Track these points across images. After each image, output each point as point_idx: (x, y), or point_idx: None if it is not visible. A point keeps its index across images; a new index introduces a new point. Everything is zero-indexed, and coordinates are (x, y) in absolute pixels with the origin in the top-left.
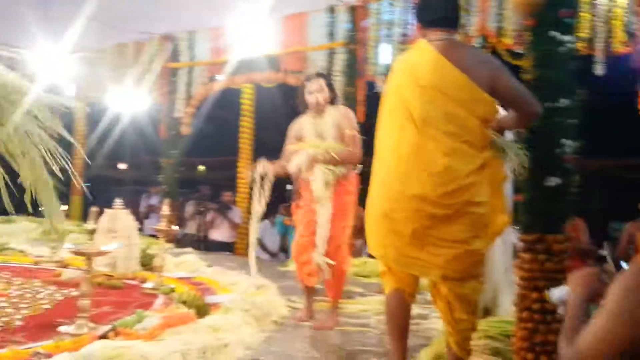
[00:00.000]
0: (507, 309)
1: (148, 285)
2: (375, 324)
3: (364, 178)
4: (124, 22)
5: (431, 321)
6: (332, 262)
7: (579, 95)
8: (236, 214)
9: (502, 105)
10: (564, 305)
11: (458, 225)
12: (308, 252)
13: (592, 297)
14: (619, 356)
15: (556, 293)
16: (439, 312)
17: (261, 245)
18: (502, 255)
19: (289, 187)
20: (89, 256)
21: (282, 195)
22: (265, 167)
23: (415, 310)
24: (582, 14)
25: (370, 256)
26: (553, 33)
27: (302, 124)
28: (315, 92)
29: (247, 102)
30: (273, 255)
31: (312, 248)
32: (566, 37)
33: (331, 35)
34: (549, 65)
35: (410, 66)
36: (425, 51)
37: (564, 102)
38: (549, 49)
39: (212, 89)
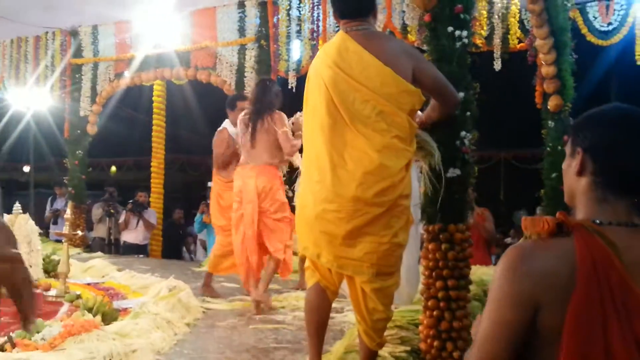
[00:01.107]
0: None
1: (52, 293)
2: (291, 321)
3: None
4: (23, 14)
5: (345, 315)
6: None
7: (475, 88)
8: (152, 215)
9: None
10: None
11: (389, 220)
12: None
13: None
14: (512, 344)
15: None
16: (352, 303)
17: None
18: (414, 246)
19: (209, 184)
20: None
21: (202, 193)
22: None
23: None
24: (479, 11)
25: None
26: (449, 28)
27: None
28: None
29: (158, 100)
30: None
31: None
32: (462, 33)
33: (242, 30)
34: (445, 59)
35: (332, 61)
36: (345, 44)
37: (460, 95)
38: (445, 44)
39: (119, 86)
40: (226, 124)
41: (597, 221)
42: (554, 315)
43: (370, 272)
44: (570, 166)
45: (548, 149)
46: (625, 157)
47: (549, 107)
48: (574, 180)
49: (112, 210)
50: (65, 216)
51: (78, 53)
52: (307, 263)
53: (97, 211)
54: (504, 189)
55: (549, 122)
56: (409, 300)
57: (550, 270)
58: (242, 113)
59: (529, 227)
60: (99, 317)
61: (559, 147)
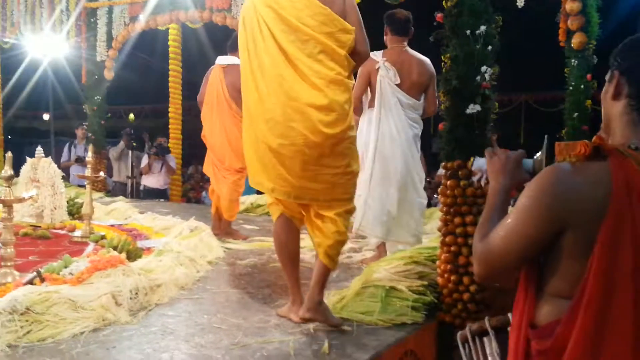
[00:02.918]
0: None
1: (77, 234)
2: (310, 259)
3: None
4: None
5: (363, 254)
6: None
7: (497, 22)
8: (172, 160)
9: None
10: (483, 173)
11: (341, 151)
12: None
13: (513, 187)
14: (525, 255)
15: (479, 162)
16: (310, 227)
17: None
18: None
19: None
20: (7, 204)
21: None
22: None
23: (348, 244)
24: None
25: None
26: None
27: None
28: None
29: (174, 44)
30: None
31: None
32: None
33: None
34: None
35: (272, 1)
36: None
37: (482, 28)
38: None
39: (135, 30)
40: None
41: (633, 146)
42: (582, 237)
43: (327, 200)
44: (607, 92)
45: (570, 88)
46: None
47: (572, 45)
48: (610, 104)
49: (134, 143)
50: (87, 159)
51: None
52: (268, 199)
53: (114, 151)
54: (524, 133)
55: (572, 60)
56: (417, 237)
57: (585, 194)
58: None
59: (563, 152)
60: (124, 255)
61: (582, 87)
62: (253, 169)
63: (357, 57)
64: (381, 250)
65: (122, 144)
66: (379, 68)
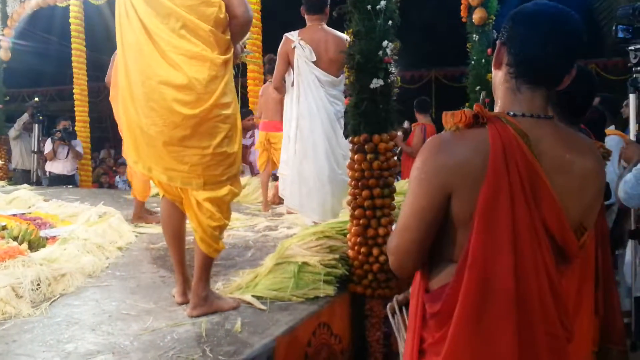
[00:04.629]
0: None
1: None
2: (225, 239)
3: None
4: None
5: (279, 232)
6: None
7: None
8: (78, 144)
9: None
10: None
11: (206, 131)
12: None
13: None
14: (425, 229)
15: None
16: (187, 211)
17: None
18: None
19: None
20: None
21: None
22: None
23: (264, 223)
24: None
25: None
26: None
27: None
28: None
29: (75, 22)
30: None
31: None
32: None
33: None
34: None
35: None
36: None
37: (382, 4)
38: None
39: (31, 7)
40: None
41: (512, 113)
42: (465, 202)
43: (198, 182)
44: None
45: (472, 62)
46: (535, 48)
47: (473, 20)
48: (495, 74)
49: (40, 117)
50: None
51: None
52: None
53: (13, 130)
54: (435, 106)
55: (474, 35)
56: (335, 214)
57: (464, 160)
58: None
59: (448, 121)
60: (25, 245)
61: (483, 60)
62: (129, 148)
63: (234, 20)
64: None
65: (25, 115)
66: (294, 47)
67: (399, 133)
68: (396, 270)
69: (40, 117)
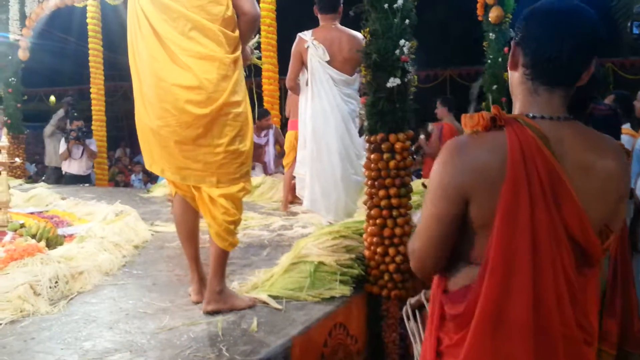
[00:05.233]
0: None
1: None
2: (240, 238)
3: None
4: None
5: (294, 231)
6: None
7: None
8: (92, 143)
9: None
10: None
11: (221, 130)
12: None
13: None
14: (446, 233)
15: None
16: (202, 208)
17: None
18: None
19: None
20: None
21: None
22: None
23: (279, 222)
24: None
25: None
26: None
27: None
28: None
29: (93, 22)
30: None
31: None
32: None
33: None
34: None
35: None
36: None
37: (400, 2)
38: None
39: (49, 7)
40: None
41: (531, 115)
42: (484, 205)
43: (212, 180)
44: (509, 63)
45: (489, 61)
46: (550, 47)
47: (490, 19)
48: (511, 75)
49: (75, 113)
50: (0, 144)
51: None
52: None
53: (49, 126)
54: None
55: (490, 34)
56: (348, 214)
57: (482, 164)
58: None
59: (467, 124)
60: (43, 243)
61: (500, 59)
62: (143, 152)
63: (243, 17)
64: None
65: (61, 111)
66: (308, 47)
67: (421, 136)
68: (417, 272)
69: (75, 114)
